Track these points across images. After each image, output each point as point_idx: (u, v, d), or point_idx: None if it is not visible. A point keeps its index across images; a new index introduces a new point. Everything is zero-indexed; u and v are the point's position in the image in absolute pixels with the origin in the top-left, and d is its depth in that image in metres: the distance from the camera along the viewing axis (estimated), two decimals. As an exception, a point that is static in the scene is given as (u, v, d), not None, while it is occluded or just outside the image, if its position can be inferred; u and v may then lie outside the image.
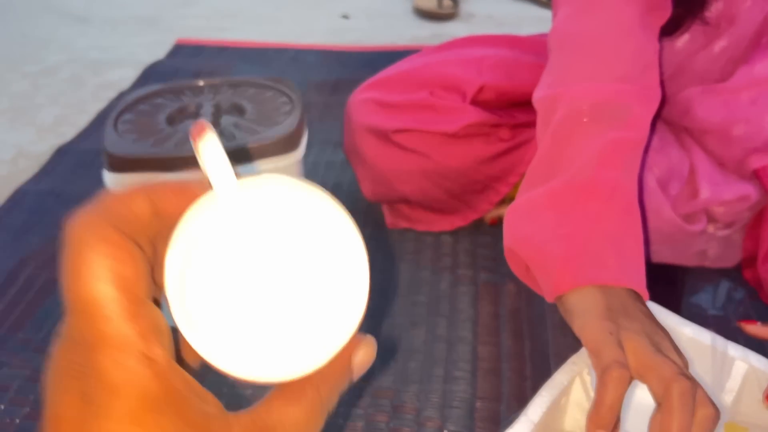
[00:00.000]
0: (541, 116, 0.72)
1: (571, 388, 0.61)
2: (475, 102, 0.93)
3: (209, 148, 0.26)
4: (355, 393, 0.80)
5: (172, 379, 0.24)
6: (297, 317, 0.27)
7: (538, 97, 0.73)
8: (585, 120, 0.67)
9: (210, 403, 0.25)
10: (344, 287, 0.27)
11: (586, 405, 0.61)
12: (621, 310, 0.57)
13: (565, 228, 0.63)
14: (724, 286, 0.94)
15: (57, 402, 0.23)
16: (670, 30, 0.81)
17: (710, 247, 0.90)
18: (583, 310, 0.58)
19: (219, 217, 0.26)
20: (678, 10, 0.77)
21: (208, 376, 0.27)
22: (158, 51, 1.75)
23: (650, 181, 0.85)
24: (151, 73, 1.62)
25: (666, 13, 0.75)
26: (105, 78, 1.62)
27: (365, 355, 0.28)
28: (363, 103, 0.97)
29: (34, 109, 1.49)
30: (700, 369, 0.63)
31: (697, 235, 0.88)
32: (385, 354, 0.86)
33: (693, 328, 0.64)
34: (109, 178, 0.78)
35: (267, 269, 0.27)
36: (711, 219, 0.88)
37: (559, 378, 0.60)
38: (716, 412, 0.50)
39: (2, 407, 0.79)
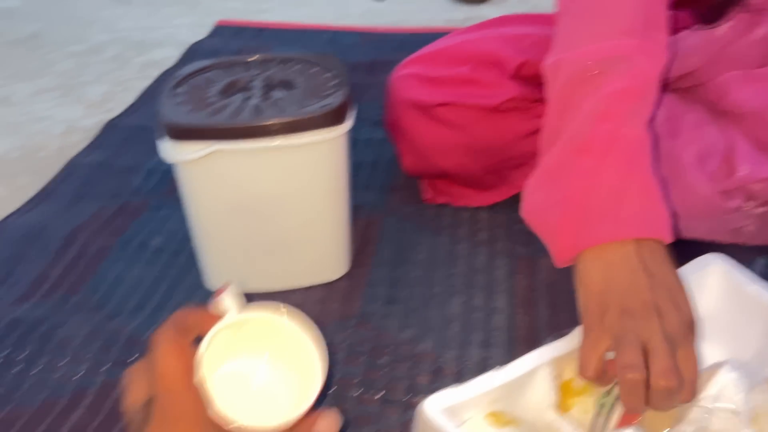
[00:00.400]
0: (547, 83, 0.72)
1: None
2: (515, 78, 0.95)
3: (226, 297, 0.47)
4: (397, 358, 0.83)
5: (206, 416, 0.43)
6: (274, 395, 0.47)
7: (544, 65, 0.73)
8: (585, 79, 0.67)
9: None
10: (305, 380, 0.46)
11: None
12: (622, 277, 0.59)
13: (562, 192, 0.63)
14: (760, 263, 0.95)
15: (141, 425, 0.43)
16: (713, 18, 0.82)
17: (747, 224, 0.92)
18: (581, 290, 0.62)
19: (227, 335, 0.46)
20: None
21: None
22: (199, 32, 1.78)
23: (687, 157, 0.87)
24: (193, 53, 1.66)
25: None
26: (148, 57, 1.67)
27: (327, 424, 0.46)
28: (405, 78, 1.00)
29: (82, 87, 1.54)
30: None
31: (733, 212, 0.90)
32: (426, 320, 0.89)
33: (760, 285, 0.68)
34: (166, 146, 0.82)
35: (256, 367, 0.48)
36: (748, 196, 0.89)
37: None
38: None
39: (63, 363, 0.83)
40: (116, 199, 1.13)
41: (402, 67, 1.02)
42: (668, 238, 0.62)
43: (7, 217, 1.09)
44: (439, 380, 0.80)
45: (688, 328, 0.59)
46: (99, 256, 1.01)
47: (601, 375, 0.59)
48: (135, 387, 0.45)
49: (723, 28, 0.85)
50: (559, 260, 0.65)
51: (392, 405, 0.77)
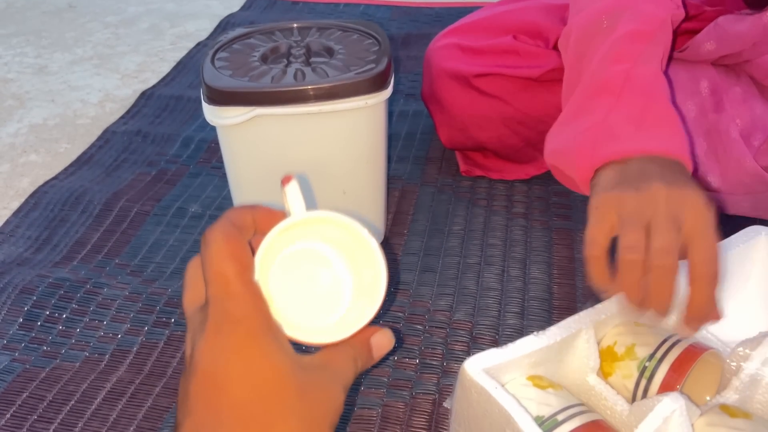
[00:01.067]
0: (562, 48, 0.74)
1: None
2: (557, 49, 0.94)
3: (291, 190, 0.41)
4: (434, 325, 0.83)
5: (269, 319, 0.38)
6: (335, 303, 0.42)
7: (563, 33, 0.75)
8: (595, 32, 0.69)
9: (284, 339, 0.38)
10: (368, 292, 0.42)
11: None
12: (636, 175, 0.57)
13: (582, 125, 0.64)
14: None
15: (197, 331, 0.37)
16: (760, 4, 0.81)
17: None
18: (595, 187, 0.59)
19: (291, 234, 0.41)
20: None
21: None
22: (232, 5, 1.79)
23: (732, 132, 0.85)
24: (226, 25, 1.66)
25: None
26: (182, 29, 1.67)
27: (382, 338, 0.42)
28: (444, 48, 0.99)
29: (117, 57, 1.55)
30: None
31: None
32: (462, 290, 0.89)
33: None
34: (209, 110, 0.82)
35: (319, 272, 0.42)
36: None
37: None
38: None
39: (105, 323, 0.85)
40: (153, 166, 1.14)
41: (441, 38, 1.02)
42: (688, 162, 0.61)
43: (49, 181, 1.11)
44: (476, 348, 0.80)
45: (705, 222, 0.56)
46: (138, 221, 1.02)
47: (605, 254, 0.57)
48: (192, 287, 0.40)
49: None
50: (583, 183, 0.63)
51: (429, 370, 0.78)
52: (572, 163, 0.64)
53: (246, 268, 0.37)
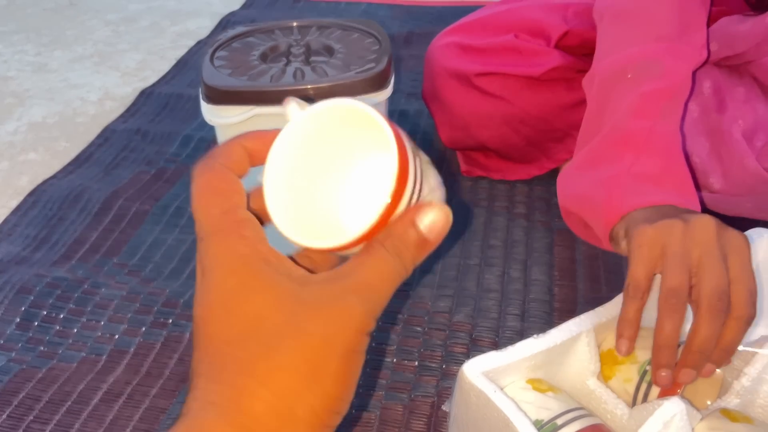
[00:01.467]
0: (585, 85, 0.76)
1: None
2: (559, 48, 0.94)
3: (292, 102, 0.35)
4: (433, 326, 0.83)
5: (259, 245, 0.32)
6: (347, 195, 0.36)
7: (587, 75, 0.76)
8: (620, 81, 0.70)
9: (288, 265, 0.32)
10: (379, 170, 0.34)
11: None
12: (674, 212, 0.58)
13: (605, 174, 0.65)
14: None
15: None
16: (762, 7, 0.80)
17: (793, 201, 0.90)
18: (633, 224, 0.59)
19: (292, 134, 0.34)
20: None
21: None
22: (233, 2, 1.78)
23: (735, 132, 0.85)
24: (226, 24, 1.66)
25: None
26: (183, 27, 1.67)
27: (435, 216, 0.33)
28: (445, 47, 0.98)
29: (118, 55, 1.54)
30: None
31: (782, 189, 0.88)
32: (462, 291, 0.88)
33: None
34: (207, 109, 0.81)
35: (326, 163, 0.35)
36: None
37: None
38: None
39: (102, 323, 0.84)
40: (152, 165, 1.13)
41: (442, 36, 1.01)
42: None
43: (48, 179, 1.10)
44: (475, 350, 0.80)
45: (749, 265, 0.56)
46: (136, 220, 1.02)
47: (646, 297, 0.57)
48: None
49: None
50: (605, 229, 0.63)
51: (429, 372, 0.77)
52: (595, 210, 0.64)
53: (228, 202, 0.33)
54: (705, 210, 0.89)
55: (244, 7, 1.77)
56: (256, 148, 0.35)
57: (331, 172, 0.35)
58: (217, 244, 0.32)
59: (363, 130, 0.34)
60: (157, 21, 1.70)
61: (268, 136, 0.34)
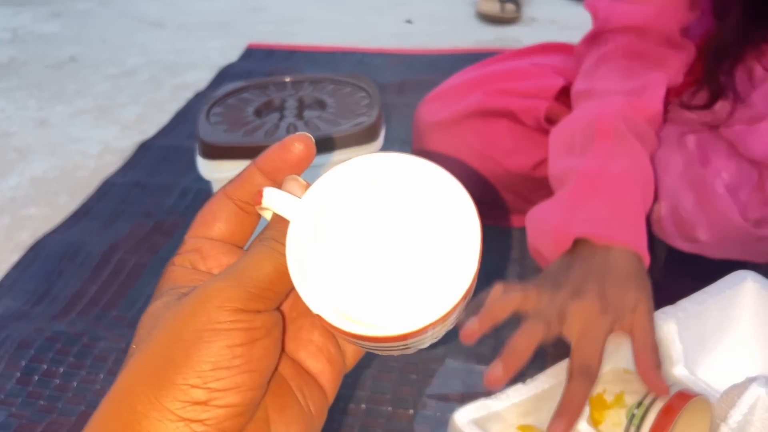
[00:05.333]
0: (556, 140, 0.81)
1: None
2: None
3: (292, 182, 0.31)
4: (428, 374, 0.84)
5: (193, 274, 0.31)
6: (410, 279, 0.28)
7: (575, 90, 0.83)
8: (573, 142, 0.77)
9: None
10: (454, 253, 0.29)
11: None
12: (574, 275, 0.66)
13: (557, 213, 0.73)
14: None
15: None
16: (705, 106, 0.85)
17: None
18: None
19: (335, 191, 0.29)
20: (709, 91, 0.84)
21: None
22: (230, 55, 1.82)
23: (718, 186, 0.86)
24: (225, 75, 1.69)
25: (684, 53, 0.85)
26: (181, 79, 1.71)
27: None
28: (427, 108, 1.01)
29: (117, 108, 1.58)
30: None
31: (767, 237, 0.89)
32: (456, 336, 0.89)
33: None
34: (203, 164, 0.84)
35: (379, 234, 0.29)
36: (782, 218, 0.89)
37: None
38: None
39: (101, 377, 0.85)
40: (151, 217, 1.16)
41: (426, 103, 1.04)
42: (646, 257, 0.69)
43: (48, 234, 1.12)
44: (470, 396, 0.80)
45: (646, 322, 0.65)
46: (135, 273, 1.03)
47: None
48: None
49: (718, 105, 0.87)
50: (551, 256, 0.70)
51: (424, 421, 0.78)
52: (546, 240, 0.71)
53: (204, 229, 0.32)
54: (690, 256, 0.90)
55: (241, 58, 1.81)
56: (271, 166, 0.33)
57: (371, 235, 0.29)
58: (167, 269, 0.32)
59: (413, 190, 0.29)
60: (156, 74, 1.74)
61: (285, 152, 0.33)
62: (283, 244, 0.29)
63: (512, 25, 1.96)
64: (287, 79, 0.96)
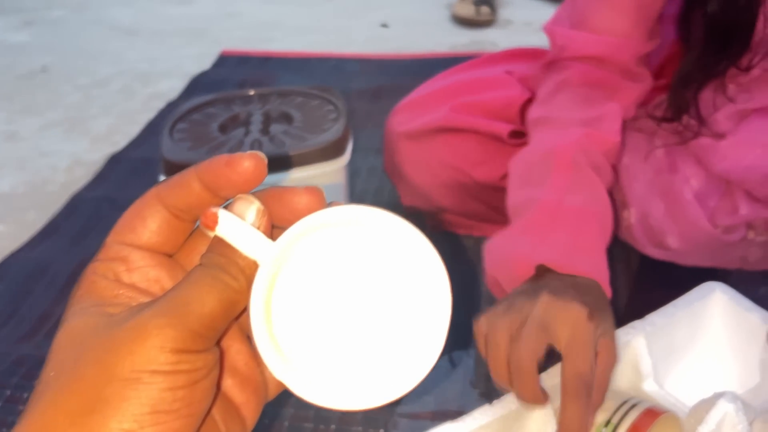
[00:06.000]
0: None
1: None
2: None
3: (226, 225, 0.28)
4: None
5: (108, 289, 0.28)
6: (379, 347, 0.27)
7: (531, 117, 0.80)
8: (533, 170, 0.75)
9: (123, 301, 0.28)
10: (425, 316, 0.28)
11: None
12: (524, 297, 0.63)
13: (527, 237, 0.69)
14: (765, 287, 0.94)
15: None
16: (670, 119, 0.85)
17: (750, 252, 0.91)
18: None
19: (303, 247, 0.27)
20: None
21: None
22: (204, 62, 1.80)
23: (687, 193, 0.86)
24: (198, 84, 1.68)
25: (641, 84, 0.83)
26: (154, 89, 1.69)
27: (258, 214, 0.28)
28: (397, 118, 1.00)
29: (88, 120, 1.56)
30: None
31: (737, 243, 0.89)
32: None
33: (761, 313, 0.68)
34: (166, 183, 0.82)
35: (349, 297, 0.28)
36: (751, 227, 0.88)
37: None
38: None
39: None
40: (121, 232, 1.14)
41: (396, 113, 1.03)
42: (607, 288, 0.66)
43: (14, 252, 1.11)
44: (441, 414, 0.80)
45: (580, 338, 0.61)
46: (104, 290, 1.01)
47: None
48: None
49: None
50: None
51: (394, 439, 0.77)
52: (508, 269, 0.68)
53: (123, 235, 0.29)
54: (661, 264, 0.90)
55: (215, 66, 1.79)
56: (217, 182, 0.28)
57: (340, 297, 0.28)
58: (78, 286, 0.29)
59: (387, 251, 0.28)
60: (128, 84, 1.72)
61: (236, 167, 0.28)
62: (230, 275, 0.27)
63: (488, 28, 1.96)
64: (253, 93, 0.95)
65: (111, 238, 0.29)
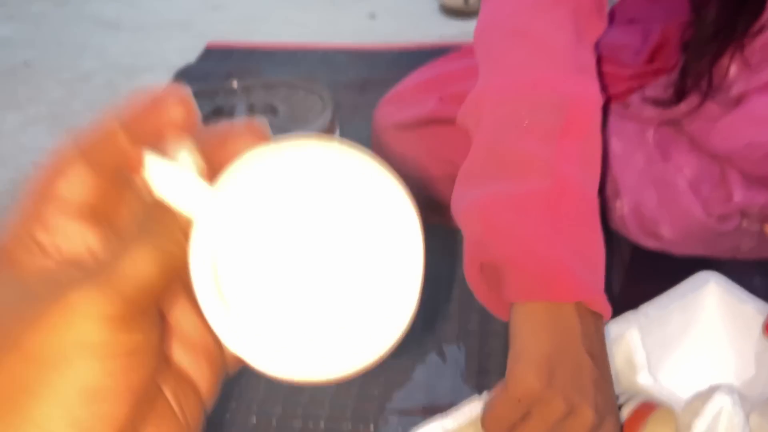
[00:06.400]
0: (466, 113, 0.67)
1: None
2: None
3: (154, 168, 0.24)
4: (391, 386, 0.81)
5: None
6: (344, 307, 0.24)
7: (470, 98, 0.67)
8: (516, 125, 0.62)
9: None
10: (394, 272, 0.24)
11: None
12: (568, 375, 0.52)
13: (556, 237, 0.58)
14: (759, 276, 0.93)
15: None
16: (673, 101, 0.79)
17: (744, 242, 0.90)
18: (523, 355, 0.53)
19: (249, 189, 0.23)
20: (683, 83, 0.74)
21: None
22: (189, 55, 1.78)
23: (680, 182, 0.84)
24: (183, 77, 1.65)
25: (601, 25, 0.71)
26: (139, 83, 1.66)
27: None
28: (384, 110, 0.99)
29: (72, 115, 1.53)
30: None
31: (730, 232, 0.88)
32: (419, 347, 0.87)
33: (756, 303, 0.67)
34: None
35: (306, 249, 0.24)
36: (744, 215, 0.87)
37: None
38: None
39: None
40: (106, 229, 1.12)
41: (382, 105, 1.01)
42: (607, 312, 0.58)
43: (-5, 251, 1.08)
44: (432, 409, 0.78)
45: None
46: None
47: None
48: None
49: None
50: (541, 296, 0.57)
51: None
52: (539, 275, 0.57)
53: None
54: (654, 255, 0.89)
55: (200, 59, 1.77)
56: (142, 127, 0.25)
57: (296, 250, 0.24)
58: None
59: (348, 190, 0.24)
60: (112, 78, 1.69)
61: (160, 109, 0.25)
62: (170, 238, 0.23)
63: (476, 18, 1.93)
64: (237, 85, 0.93)
65: (30, 200, 0.25)
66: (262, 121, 0.25)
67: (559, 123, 0.60)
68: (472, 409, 0.61)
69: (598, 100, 0.63)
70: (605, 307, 0.56)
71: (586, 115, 0.61)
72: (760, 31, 0.72)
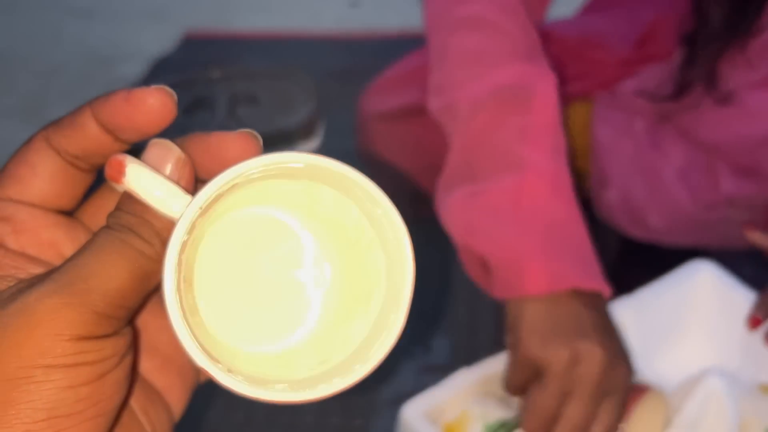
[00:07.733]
0: (443, 124, 0.69)
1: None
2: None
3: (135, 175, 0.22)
4: (379, 379, 0.80)
5: None
6: (318, 334, 0.23)
7: (433, 109, 0.69)
8: (490, 112, 0.64)
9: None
10: (385, 285, 0.23)
11: None
12: (570, 327, 0.56)
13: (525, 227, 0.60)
14: (749, 266, 0.93)
15: None
16: (671, 97, 0.78)
17: (732, 231, 0.89)
18: (523, 327, 0.57)
19: (232, 203, 0.23)
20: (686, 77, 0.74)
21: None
22: (167, 44, 1.75)
23: (668, 172, 0.84)
24: (160, 67, 1.62)
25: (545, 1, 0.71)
26: (114, 73, 1.63)
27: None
28: (371, 99, 0.97)
29: (46, 107, 1.50)
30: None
31: (718, 221, 0.87)
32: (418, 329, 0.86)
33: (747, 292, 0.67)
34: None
35: (287, 268, 0.23)
36: (732, 205, 0.87)
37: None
38: None
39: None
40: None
41: (367, 95, 0.99)
42: (607, 294, 0.61)
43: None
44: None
45: (614, 411, 0.57)
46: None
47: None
48: None
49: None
50: (523, 291, 0.60)
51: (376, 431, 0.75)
52: (513, 268, 0.60)
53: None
54: (643, 246, 0.88)
55: (178, 48, 1.73)
56: (118, 121, 0.23)
57: (279, 266, 0.23)
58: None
59: (337, 209, 0.23)
60: (87, 69, 1.66)
61: (135, 102, 0.23)
62: (142, 238, 0.22)
63: (458, 4, 1.92)
64: (219, 74, 0.91)
65: None
66: (253, 134, 0.24)
67: (526, 115, 0.62)
68: (462, 377, 0.61)
69: (554, 80, 0.64)
70: (599, 285, 0.59)
71: (550, 100, 0.63)
72: (760, 30, 0.72)
